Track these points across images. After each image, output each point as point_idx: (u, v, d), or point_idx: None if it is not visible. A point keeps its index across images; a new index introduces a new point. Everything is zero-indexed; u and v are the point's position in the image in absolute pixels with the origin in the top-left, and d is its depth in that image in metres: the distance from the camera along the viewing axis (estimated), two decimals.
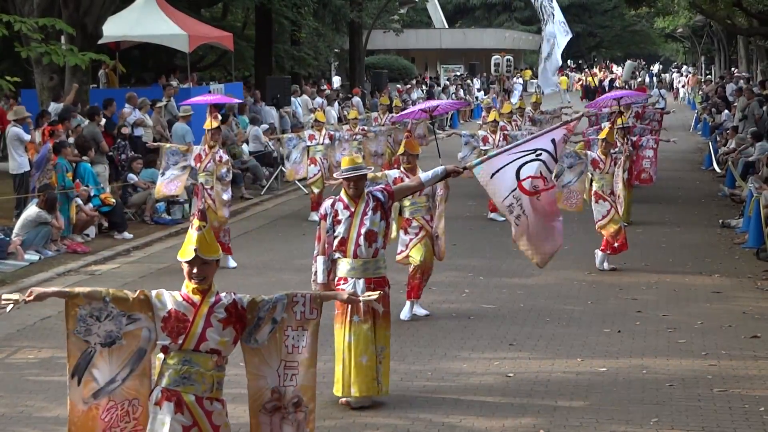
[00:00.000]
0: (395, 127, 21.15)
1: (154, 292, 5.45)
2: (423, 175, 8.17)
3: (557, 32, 27.64)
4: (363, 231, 7.94)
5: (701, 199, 19.90)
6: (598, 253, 13.20)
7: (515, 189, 8.07)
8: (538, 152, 8.13)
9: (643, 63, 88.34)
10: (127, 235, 15.75)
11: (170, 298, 5.46)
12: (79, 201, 15.30)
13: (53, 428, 7.67)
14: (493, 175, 8.06)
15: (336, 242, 7.99)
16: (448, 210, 17.62)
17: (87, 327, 5.35)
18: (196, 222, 5.54)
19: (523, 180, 8.10)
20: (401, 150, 10.56)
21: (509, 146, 8.30)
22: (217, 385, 5.55)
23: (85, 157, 16.11)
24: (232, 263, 13.57)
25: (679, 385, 8.43)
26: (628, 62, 44.40)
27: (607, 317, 10.70)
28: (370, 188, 8.18)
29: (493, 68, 52.48)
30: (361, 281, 7.98)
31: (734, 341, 9.75)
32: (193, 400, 5.46)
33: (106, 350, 5.38)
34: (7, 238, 13.89)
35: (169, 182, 13.70)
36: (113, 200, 16.13)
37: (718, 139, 26.77)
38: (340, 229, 7.96)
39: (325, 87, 36.39)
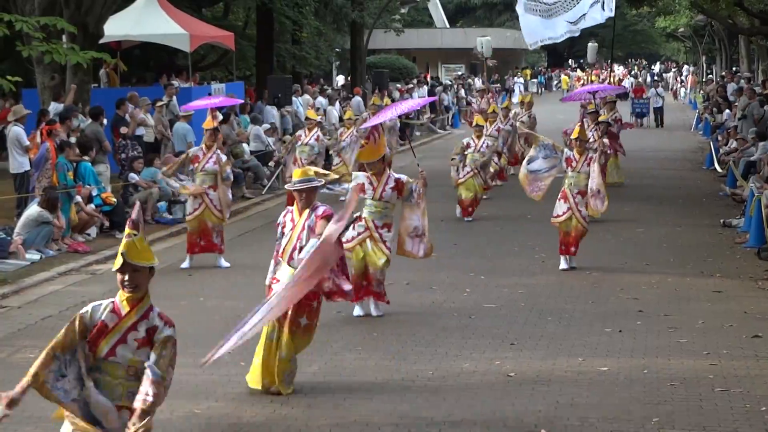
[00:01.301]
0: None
1: (87, 310, 5.45)
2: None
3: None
4: (299, 245, 8.31)
5: (702, 199, 19.89)
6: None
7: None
8: None
9: (644, 63, 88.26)
10: None
11: (101, 311, 5.42)
12: (79, 198, 15.28)
13: (54, 428, 7.66)
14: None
15: (280, 250, 8.44)
16: (449, 211, 17.68)
17: (65, 390, 5.36)
18: (126, 230, 5.39)
19: None
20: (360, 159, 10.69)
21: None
22: (128, 394, 5.38)
23: (86, 157, 16.11)
24: (225, 263, 13.58)
25: (681, 384, 8.42)
26: (590, 44, 43.22)
27: (608, 317, 10.70)
28: (318, 205, 8.38)
29: (476, 49, 51.52)
30: None
31: (735, 341, 9.74)
32: None
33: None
34: (9, 238, 13.89)
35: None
36: (114, 200, 16.14)
37: (719, 138, 26.76)
38: (283, 241, 8.43)
39: (328, 88, 36.38)
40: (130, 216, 5.53)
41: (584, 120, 17.87)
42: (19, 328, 10.58)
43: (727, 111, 30.63)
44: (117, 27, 22.52)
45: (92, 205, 15.63)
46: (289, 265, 8.27)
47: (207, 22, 28.65)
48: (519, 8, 21.69)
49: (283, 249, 8.39)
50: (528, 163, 13.20)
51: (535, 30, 21.97)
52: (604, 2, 20.71)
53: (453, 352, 9.42)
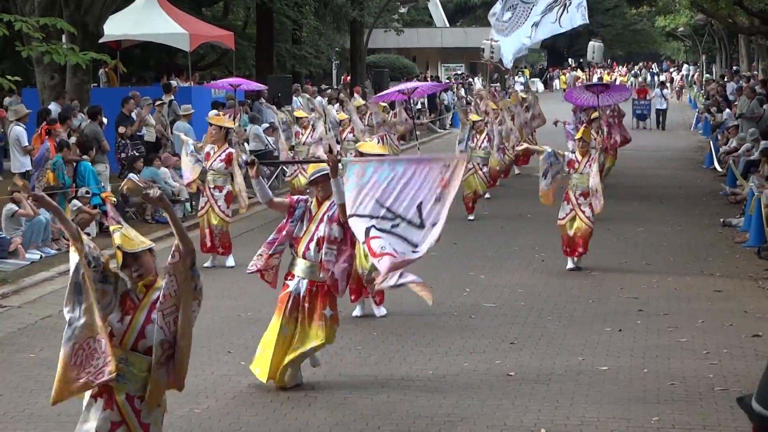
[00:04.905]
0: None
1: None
2: (334, 196, 8.05)
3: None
4: (316, 236, 8.19)
5: (702, 198, 19.89)
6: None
7: (363, 243, 7.20)
8: (396, 221, 7.07)
9: (638, 68, 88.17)
10: None
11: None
12: (79, 204, 15.23)
13: (55, 427, 7.68)
14: (354, 206, 7.22)
15: (293, 239, 8.31)
16: (450, 211, 17.60)
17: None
18: (111, 227, 5.59)
19: (371, 241, 7.08)
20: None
21: (384, 160, 7.61)
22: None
23: (85, 156, 16.11)
24: (231, 262, 13.60)
25: (681, 383, 8.43)
26: (597, 44, 41.66)
27: (609, 316, 10.70)
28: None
29: (481, 54, 51.83)
30: (305, 282, 8.26)
31: (735, 340, 9.75)
32: (123, 399, 5.52)
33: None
34: (9, 237, 13.88)
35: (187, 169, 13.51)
36: (114, 199, 16.11)
37: (719, 138, 26.76)
38: (299, 228, 8.26)
39: (328, 87, 36.40)
40: (108, 215, 5.69)
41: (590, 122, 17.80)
42: (19, 328, 10.59)
43: (727, 110, 30.63)
44: (117, 26, 22.52)
45: (91, 204, 15.61)
46: (305, 258, 8.22)
47: (207, 22, 28.66)
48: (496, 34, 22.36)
49: (297, 238, 8.28)
50: (544, 178, 13.17)
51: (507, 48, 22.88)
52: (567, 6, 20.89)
53: (453, 352, 9.42)
